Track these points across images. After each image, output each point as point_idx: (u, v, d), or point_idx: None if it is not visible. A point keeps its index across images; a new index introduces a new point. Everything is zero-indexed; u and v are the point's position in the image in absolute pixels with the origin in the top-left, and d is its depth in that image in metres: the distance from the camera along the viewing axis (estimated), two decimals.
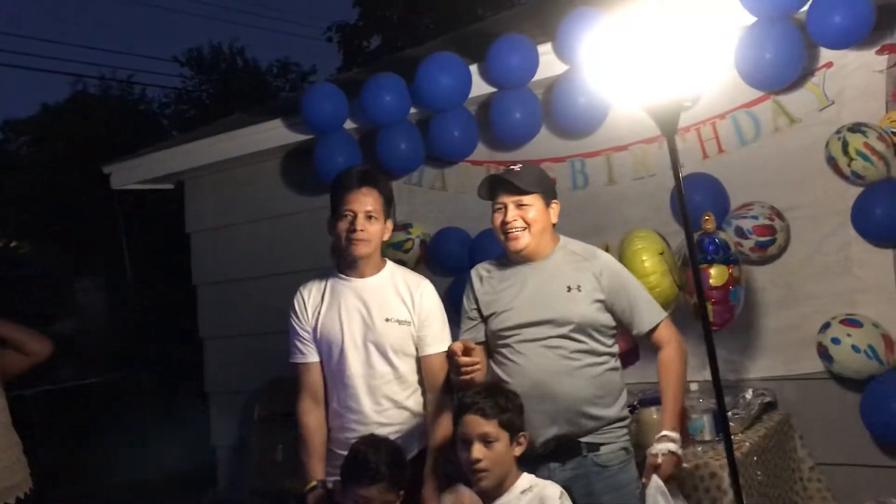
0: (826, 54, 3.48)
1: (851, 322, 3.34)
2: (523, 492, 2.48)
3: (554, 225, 2.85)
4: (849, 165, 3.33)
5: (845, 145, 3.31)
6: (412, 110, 4.33)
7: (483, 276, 2.91)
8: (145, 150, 5.84)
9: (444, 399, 2.85)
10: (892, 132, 3.31)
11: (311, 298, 2.93)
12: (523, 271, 2.82)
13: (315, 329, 2.90)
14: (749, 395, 3.53)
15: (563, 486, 2.64)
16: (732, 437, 3.19)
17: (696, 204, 3.50)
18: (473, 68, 4.17)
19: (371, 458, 2.54)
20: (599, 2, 3.61)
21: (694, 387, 3.44)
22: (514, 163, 2.92)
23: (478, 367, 2.66)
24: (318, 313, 2.90)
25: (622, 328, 2.84)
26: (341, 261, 2.92)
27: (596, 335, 2.75)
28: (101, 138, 13.63)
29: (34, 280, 13.80)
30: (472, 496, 2.53)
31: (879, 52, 3.39)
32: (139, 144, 6.53)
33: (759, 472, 3.18)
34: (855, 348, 3.29)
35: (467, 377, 2.63)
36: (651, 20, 2.06)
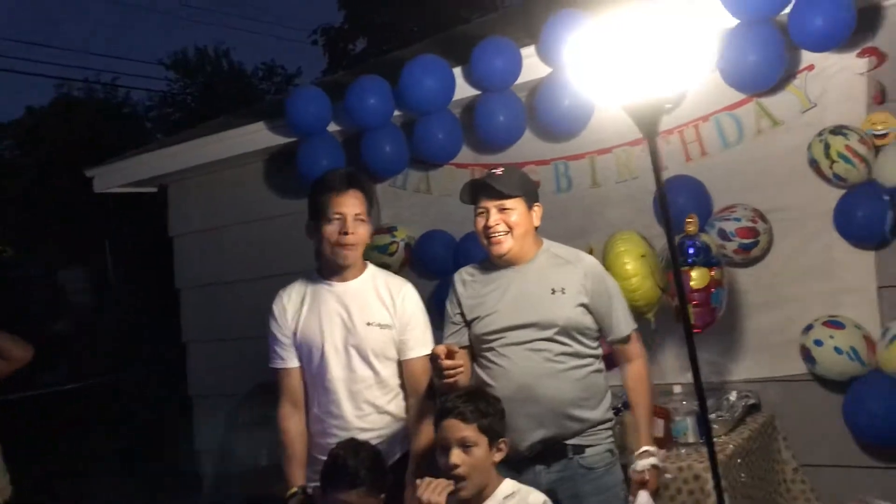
0: (808, 57, 3.50)
1: (834, 324, 3.36)
2: (506, 497, 2.46)
3: (536, 228, 2.84)
4: (831, 168, 3.34)
5: (827, 148, 3.33)
6: (396, 113, 4.32)
7: (466, 280, 2.90)
8: (128, 154, 5.81)
9: (426, 403, 2.83)
10: (874, 134, 3.32)
11: (291, 303, 2.92)
12: (507, 275, 2.81)
13: (295, 334, 2.89)
14: (733, 396, 3.54)
15: (549, 489, 2.64)
16: (716, 439, 3.22)
17: (680, 206, 3.52)
18: (457, 71, 4.17)
19: (350, 462, 2.53)
20: (583, 4, 3.62)
21: (677, 389, 3.46)
22: (497, 166, 2.91)
23: (461, 370, 2.65)
24: (299, 318, 2.89)
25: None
26: (325, 264, 2.91)
27: (580, 337, 2.75)
28: (86, 141, 13.56)
29: (22, 282, 13.70)
30: None
31: (860, 55, 3.40)
32: (124, 147, 6.51)
33: (743, 474, 3.18)
34: (837, 350, 3.30)
35: (450, 380, 2.63)
36: (633, 22, 2.06)
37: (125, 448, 8.15)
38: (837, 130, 3.33)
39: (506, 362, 2.74)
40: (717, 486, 2.20)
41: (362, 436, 2.75)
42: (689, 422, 3.32)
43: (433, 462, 2.61)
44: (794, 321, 3.50)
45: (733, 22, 3.42)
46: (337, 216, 2.79)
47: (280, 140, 4.73)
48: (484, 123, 4.12)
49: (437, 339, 2.89)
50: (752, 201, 3.60)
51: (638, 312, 3.39)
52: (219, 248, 5.34)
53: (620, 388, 3.53)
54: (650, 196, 3.73)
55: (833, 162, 3.32)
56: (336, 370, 2.83)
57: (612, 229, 3.72)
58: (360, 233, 2.82)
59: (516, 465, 2.69)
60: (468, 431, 2.43)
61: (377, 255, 4.32)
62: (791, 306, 3.57)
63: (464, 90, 4.17)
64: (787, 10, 3.32)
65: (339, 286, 2.88)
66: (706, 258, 3.36)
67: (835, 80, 3.47)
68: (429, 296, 3.93)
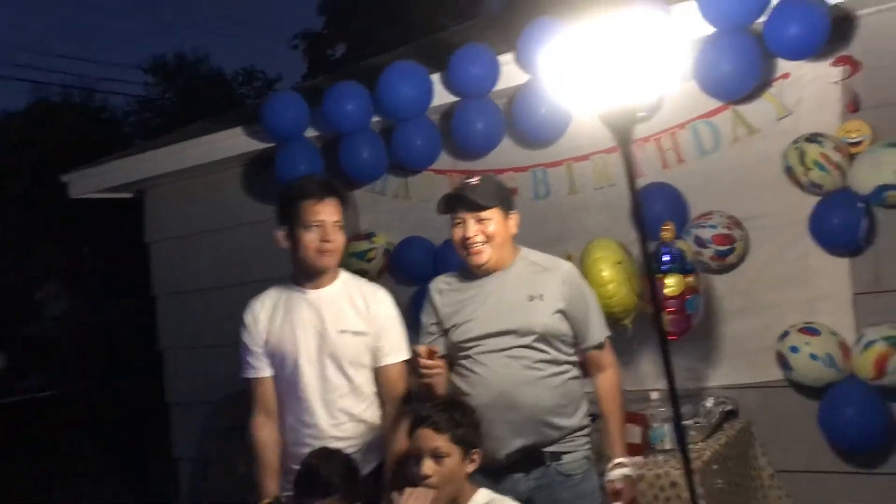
0: (783, 65, 3.52)
1: (810, 330, 3.37)
2: None
3: (514, 235, 2.84)
4: (806, 175, 3.36)
5: (802, 155, 3.35)
6: (375, 119, 4.31)
7: (443, 289, 2.89)
8: (103, 159, 5.75)
9: (401, 410, 2.82)
10: (848, 142, 3.35)
11: (263, 311, 2.90)
12: (484, 282, 2.81)
13: (268, 342, 2.87)
14: (710, 403, 3.54)
15: (528, 497, 2.64)
16: (693, 445, 3.24)
17: (656, 213, 3.53)
18: (436, 77, 4.16)
19: (323, 470, 2.51)
20: (561, 12, 3.62)
21: (655, 395, 3.46)
22: (475, 173, 2.91)
23: (439, 370, 2.64)
24: (271, 327, 2.87)
25: None
26: (300, 271, 2.89)
27: (558, 344, 2.76)
28: (63, 146, 13.42)
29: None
30: None
31: (835, 64, 3.43)
32: (102, 153, 6.45)
33: (720, 481, 3.19)
34: (813, 356, 3.32)
35: (429, 380, 2.62)
36: (608, 30, 2.06)
37: (100, 455, 8.07)
38: (812, 138, 3.35)
39: (484, 370, 2.73)
40: (692, 493, 2.20)
41: (337, 445, 2.74)
42: (667, 428, 3.32)
43: (410, 470, 2.60)
44: (771, 328, 3.51)
45: (710, 30, 3.43)
46: (317, 223, 2.79)
47: (258, 145, 4.70)
48: (462, 130, 4.11)
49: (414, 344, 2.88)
50: (729, 208, 3.61)
51: (615, 319, 3.39)
52: (196, 254, 5.30)
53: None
54: (627, 202, 3.73)
55: (808, 169, 3.34)
56: (310, 379, 2.81)
57: (590, 236, 3.72)
58: (339, 240, 2.84)
59: (494, 474, 2.68)
60: (441, 442, 2.42)
61: (355, 261, 4.30)
62: (767, 313, 3.58)
63: (442, 97, 4.16)
64: (763, 18, 3.34)
65: (312, 293, 2.87)
66: (681, 265, 3.37)
67: (810, 88, 3.49)
68: (408, 302, 3.92)
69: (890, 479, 3.40)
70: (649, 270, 2.28)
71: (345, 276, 2.94)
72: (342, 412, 2.83)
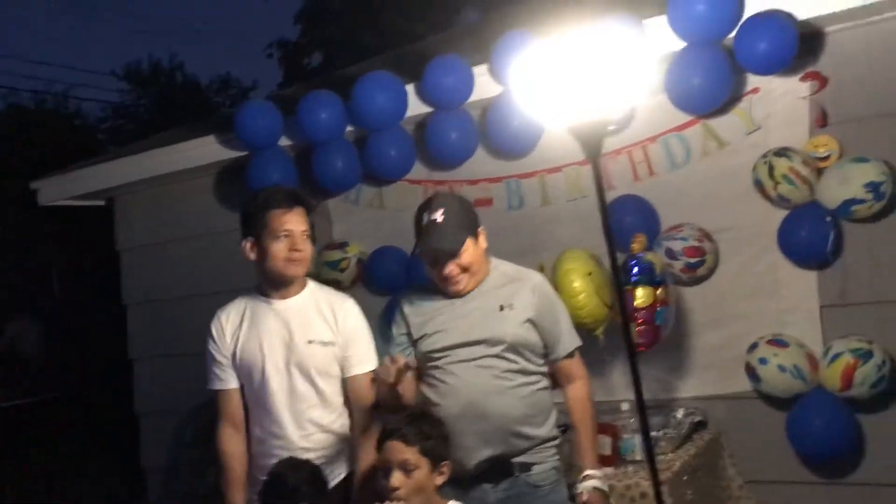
0: (753, 80, 3.56)
1: (778, 342, 3.40)
2: None
3: (485, 250, 2.83)
4: (775, 189, 3.40)
5: (771, 169, 3.39)
6: (349, 128, 4.30)
7: (413, 299, 2.89)
8: (74, 166, 5.69)
9: (369, 420, 2.81)
10: (816, 157, 3.40)
11: (229, 322, 2.88)
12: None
13: (235, 354, 2.85)
14: (680, 414, 3.56)
15: None
16: (663, 456, 3.25)
17: (627, 225, 3.55)
18: (410, 88, 4.16)
19: (291, 479, 2.50)
20: (535, 24, 3.64)
21: (625, 406, 3.47)
22: (448, 183, 2.90)
23: (408, 375, 2.63)
24: (238, 337, 2.85)
25: None
26: (267, 281, 2.88)
27: (528, 354, 2.76)
28: (51, 150, 13.24)
29: None
30: None
31: (803, 79, 3.47)
32: (75, 159, 6.39)
33: (689, 491, 3.21)
34: (781, 368, 3.34)
35: (396, 386, 2.59)
36: (578, 43, 2.08)
37: (70, 465, 7.97)
38: (781, 152, 3.39)
39: (453, 380, 2.72)
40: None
41: (305, 455, 2.72)
42: (637, 439, 3.33)
43: (379, 479, 2.59)
44: (740, 339, 3.54)
45: (681, 44, 3.47)
46: (285, 233, 2.79)
47: (231, 154, 4.67)
48: (436, 140, 4.12)
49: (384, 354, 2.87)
50: (699, 221, 3.64)
51: (586, 329, 3.40)
52: (167, 262, 5.25)
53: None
54: (599, 214, 3.75)
55: (777, 183, 3.38)
56: (278, 391, 2.80)
57: (563, 247, 3.72)
58: (307, 249, 2.84)
59: (463, 484, 2.68)
60: (409, 454, 2.41)
61: (328, 270, 4.29)
62: (737, 325, 3.61)
63: (416, 107, 4.16)
64: (733, 33, 3.38)
65: (279, 303, 2.85)
66: (650, 277, 3.39)
67: (779, 103, 3.54)
68: (381, 312, 3.91)
69: (857, 489, 3.43)
70: (618, 282, 2.29)
71: (312, 286, 2.93)
72: (310, 423, 2.81)
